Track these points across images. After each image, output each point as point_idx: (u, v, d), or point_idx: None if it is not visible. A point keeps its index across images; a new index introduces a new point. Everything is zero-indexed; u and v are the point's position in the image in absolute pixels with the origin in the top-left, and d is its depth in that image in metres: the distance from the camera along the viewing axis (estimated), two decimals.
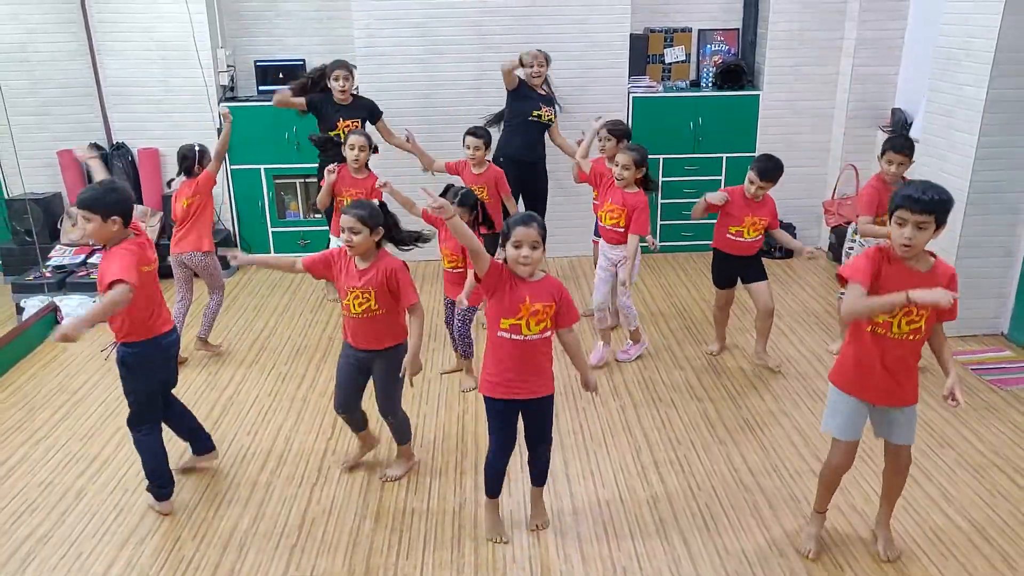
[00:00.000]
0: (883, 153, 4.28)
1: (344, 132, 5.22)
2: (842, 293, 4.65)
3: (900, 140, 4.32)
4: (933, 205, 2.52)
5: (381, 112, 5.50)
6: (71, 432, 4.04)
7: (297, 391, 4.44)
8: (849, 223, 6.13)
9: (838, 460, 2.92)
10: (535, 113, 5.48)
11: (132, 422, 3.30)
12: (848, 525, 3.23)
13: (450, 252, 4.20)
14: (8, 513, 3.40)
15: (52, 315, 5.19)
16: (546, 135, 5.64)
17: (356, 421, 3.59)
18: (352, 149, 4.87)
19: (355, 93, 5.48)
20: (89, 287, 5.31)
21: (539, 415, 3.05)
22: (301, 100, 5.35)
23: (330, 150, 5.31)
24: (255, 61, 6.42)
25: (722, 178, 6.41)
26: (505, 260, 2.87)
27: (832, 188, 6.30)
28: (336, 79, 5.27)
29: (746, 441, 3.85)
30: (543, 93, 5.56)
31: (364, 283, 3.20)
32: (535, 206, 5.61)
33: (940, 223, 2.55)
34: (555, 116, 5.60)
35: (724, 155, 6.39)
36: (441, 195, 3.68)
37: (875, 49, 6.03)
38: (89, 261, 5.78)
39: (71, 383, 4.54)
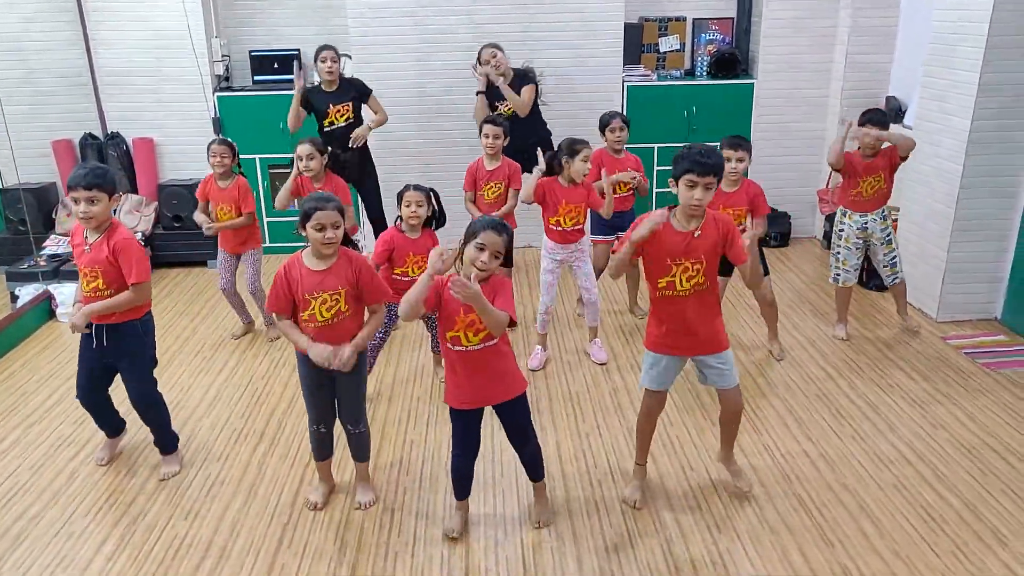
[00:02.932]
0: (862, 124, 4.39)
1: (336, 118, 5.19)
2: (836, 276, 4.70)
3: (877, 113, 4.45)
4: (717, 168, 2.82)
5: (370, 90, 5.35)
6: (64, 416, 4.04)
7: (291, 376, 4.44)
8: None
9: (649, 405, 3.22)
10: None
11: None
12: (839, 503, 3.24)
13: (421, 259, 3.85)
14: (0, 494, 3.41)
15: (47, 303, 5.19)
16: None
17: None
18: (300, 160, 4.45)
19: (343, 76, 5.36)
20: None
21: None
22: (302, 110, 5.23)
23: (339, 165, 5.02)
24: (250, 51, 6.41)
25: None
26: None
27: (827, 176, 6.30)
28: (323, 60, 5.12)
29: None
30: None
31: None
32: None
33: (719, 181, 2.88)
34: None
35: (719, 143, 6.37)
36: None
37: (869, 37, 6.02)
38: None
39: (64, 370, 4.54)
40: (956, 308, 4.91)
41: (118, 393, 3.55)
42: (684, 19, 6.46)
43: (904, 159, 4.41)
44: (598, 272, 4.79)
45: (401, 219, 3.94)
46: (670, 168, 2.96)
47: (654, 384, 3.16)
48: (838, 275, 4.68)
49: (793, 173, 6.48)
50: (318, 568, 2.94)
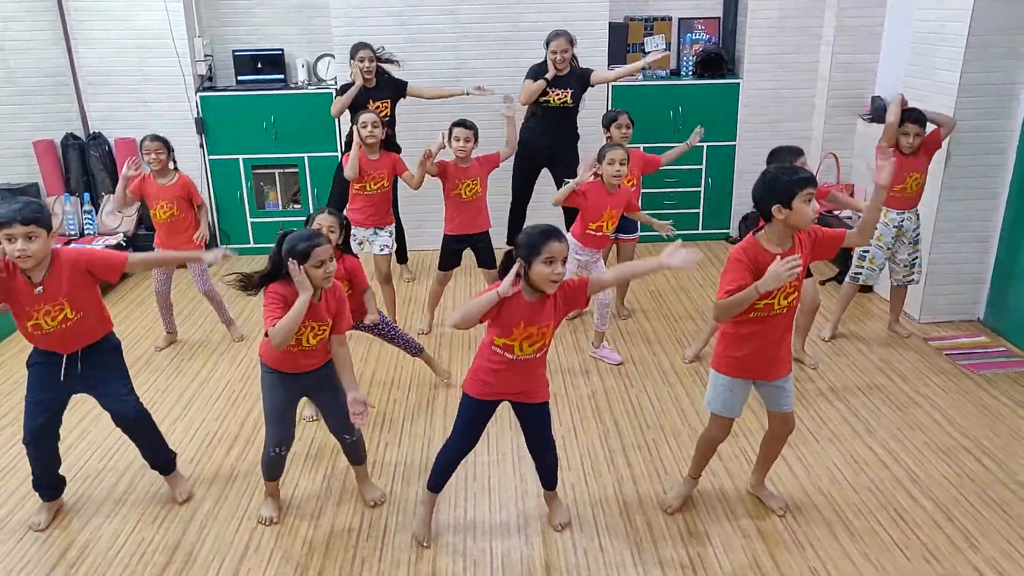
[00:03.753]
0: (901, 123, 4.31)
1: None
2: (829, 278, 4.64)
3: (918, 112, 4.34)
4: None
5: (406, 82, 5.52)
6: None
7: None
8: (830, 211, 6.12)
9: (717, 433, 3.11)
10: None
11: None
12: (812, 506, 3.22)
13: None
14: None
15: None
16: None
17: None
18: (364, 127, 4.51)
19: (380, 74, 5.41)
20: None
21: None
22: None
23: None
24: (233, 50, 6.38)
25: (703, 167, 6.40)
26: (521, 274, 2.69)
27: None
28: (361, 60, 5.24)
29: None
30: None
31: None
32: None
33: None
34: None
35: (704, 144, 6.35)
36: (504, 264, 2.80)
37: (855, 37, 6.00)
38: None
39: None
40: (938, 309, 4.89)
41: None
42: (670, 18, 6.43)
43: (939, 146, 4.41)
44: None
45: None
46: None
47: (726, 410, 3.02)
48: (859, 273, 4.59)
49: None
50: (284, 573, 2.92)
